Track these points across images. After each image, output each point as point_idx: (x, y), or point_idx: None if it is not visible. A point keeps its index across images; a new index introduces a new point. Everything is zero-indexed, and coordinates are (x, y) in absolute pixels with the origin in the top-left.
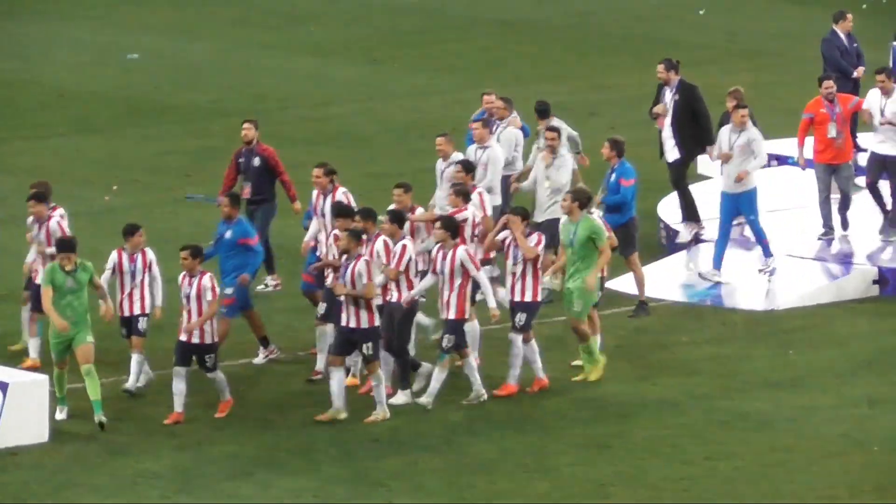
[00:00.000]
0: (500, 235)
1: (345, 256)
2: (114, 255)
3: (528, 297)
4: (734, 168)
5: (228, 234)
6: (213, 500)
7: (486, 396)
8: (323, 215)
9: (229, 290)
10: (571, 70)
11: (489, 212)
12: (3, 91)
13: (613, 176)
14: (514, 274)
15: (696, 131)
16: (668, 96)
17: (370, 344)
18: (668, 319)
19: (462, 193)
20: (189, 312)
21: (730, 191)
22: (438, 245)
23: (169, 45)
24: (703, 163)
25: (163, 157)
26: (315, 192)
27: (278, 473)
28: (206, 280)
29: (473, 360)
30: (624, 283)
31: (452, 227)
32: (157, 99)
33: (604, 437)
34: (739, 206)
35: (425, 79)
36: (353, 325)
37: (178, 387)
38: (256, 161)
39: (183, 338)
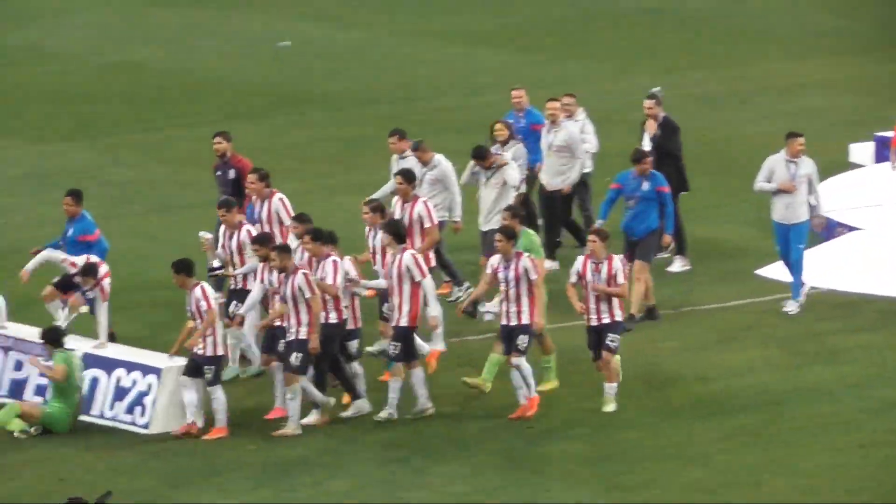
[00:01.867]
0: (492, 259)
1: (282, 274)
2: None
3: (524, 320)
4: (794, 199)
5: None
6: (366, 485)
7: (432, 410)
8: (258, 222)
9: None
10: (721, 58)
11: (434, 221)
12: (155, 80)
13: (647, 185)
14: (506, 297)
15: (675, 169)
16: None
17: (299, 355)
18: (821, 308)
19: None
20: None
21: (784, 221)
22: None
23: (319, 33)
24: (856, 151)
25: (313, 145)
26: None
27: (432, 460)
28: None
29: (420, 371)
30: (774, 271)
31: (396, 232)
32: (307, 87)
33: (756, 425)
34: (790, 234)
35: (574, 67)
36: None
37: (189, 397)
38: (231, 173)
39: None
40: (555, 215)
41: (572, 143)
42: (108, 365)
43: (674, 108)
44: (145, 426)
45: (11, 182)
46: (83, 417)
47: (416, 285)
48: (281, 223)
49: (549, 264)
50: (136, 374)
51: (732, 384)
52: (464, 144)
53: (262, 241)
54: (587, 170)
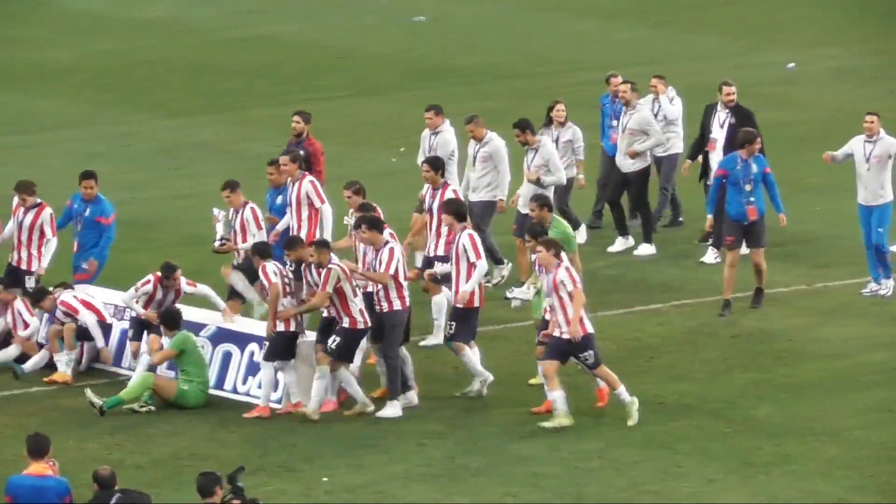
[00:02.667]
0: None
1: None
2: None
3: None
4: (871, 180)
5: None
6: (500, 460)
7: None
8: (288, 205)
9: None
10: (852, 33)
11: None
12: (288, 54)
13: (756, 167)
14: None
15: None
16: (723, 118)
17: (336, 339)
18: None
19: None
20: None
21: (866, 203)
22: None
23: (454, 8)
24: None
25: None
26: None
27: (565, 435)
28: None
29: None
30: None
31: (457, 211)
32: (440, 61)
33: (888, 401)
34: (872, 216)
35: (708, 42)
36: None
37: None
38: (303, 154)
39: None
40: (622, 196)
41: (646, 125)
42: (242, 340)
43: (809, 83)
44: (278, 401)
45: (145, 157)
46: (216, 392)
47: (471, 266)
48: (311, 205)
49: (623, 243)
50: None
51: (860, 360)
52: (597, 119)
53: (292, 244)
54: (672, 152)
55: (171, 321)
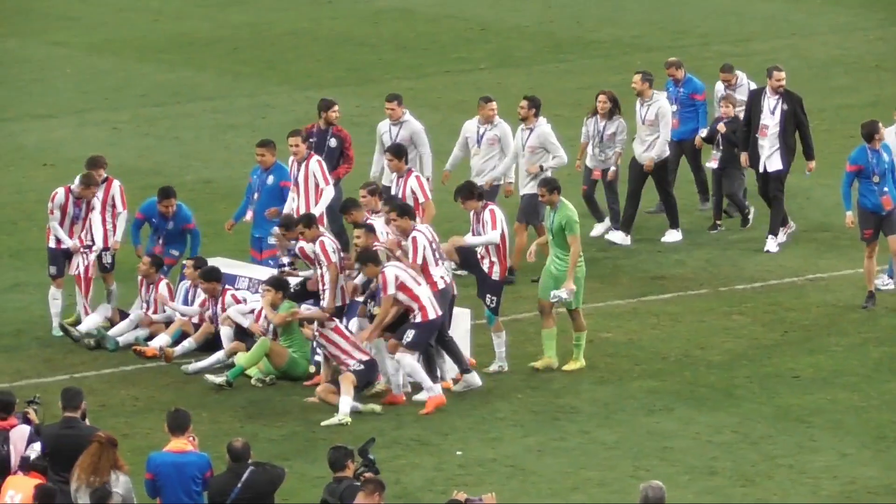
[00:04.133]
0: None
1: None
2: None
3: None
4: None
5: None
6: (633, 434)
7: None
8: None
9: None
10: None
11: (428, 196)
12: (426, 27)
13: (887, 157)
14: None
15: (796, 144)
16: (773, 104)
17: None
18: None
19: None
20: None
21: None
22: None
23: None
24: None
25: (584, 91)
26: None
27: (698, 409)
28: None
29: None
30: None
31: (478, 194)
32: (579, 34)
33: None
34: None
35: (848, 15)
36: None
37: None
38: (333, 142)
39: None
40: (642, 188)
41: (661, 117)
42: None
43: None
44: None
45: (282, 128)
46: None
47: (501, 240)
48: (317, 186)
49: (621, 238)
50: None
51: None
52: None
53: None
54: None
55: (281, 286)
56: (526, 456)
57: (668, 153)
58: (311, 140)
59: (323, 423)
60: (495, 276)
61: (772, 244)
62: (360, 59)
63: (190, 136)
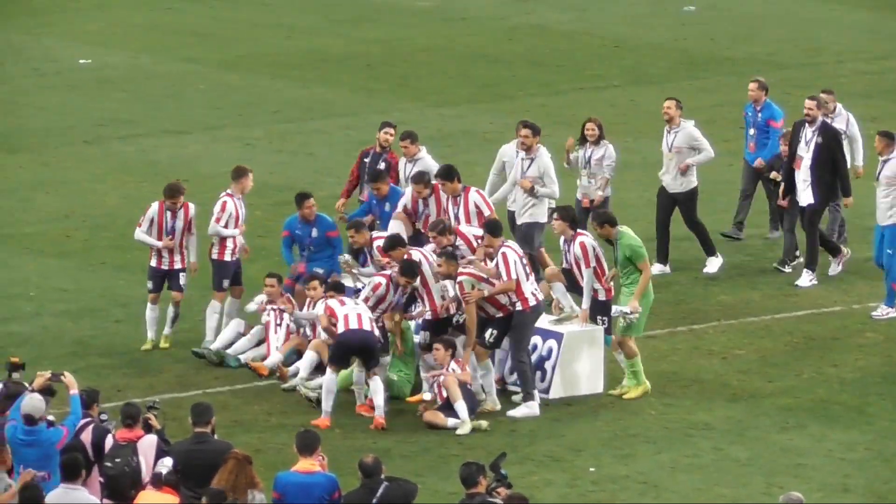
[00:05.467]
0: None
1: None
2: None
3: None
4: (882, 199)
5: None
6: (766, 451)
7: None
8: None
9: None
10: None
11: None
12: (561, 43)
13: None
14: None
15: (833, 179)
16: (809, 135)
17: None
18: None
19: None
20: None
21: (881, 223)
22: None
23: None
24: None
25: (718, 108)
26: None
27: (831, 426)
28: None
29: None
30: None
31: (571, 218)
32: (713, 51)
33: None
34: (885, 236)
35: None
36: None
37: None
38: (382, 165)
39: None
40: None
41: (692, 142)
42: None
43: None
44: (545, 391)
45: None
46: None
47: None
48: (479, 213)
49: (659, 269)
50: (537, 339)
51: None
52: (869, 110)
53: (409, 270)
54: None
55: (338, 289)
56: (659, 472)
57: (695, 183)
58: (364, 160)
59: (458, 432)
60: (601, 296)
61: (804, 279)
62: (494, 76)
63: (323, 152)
